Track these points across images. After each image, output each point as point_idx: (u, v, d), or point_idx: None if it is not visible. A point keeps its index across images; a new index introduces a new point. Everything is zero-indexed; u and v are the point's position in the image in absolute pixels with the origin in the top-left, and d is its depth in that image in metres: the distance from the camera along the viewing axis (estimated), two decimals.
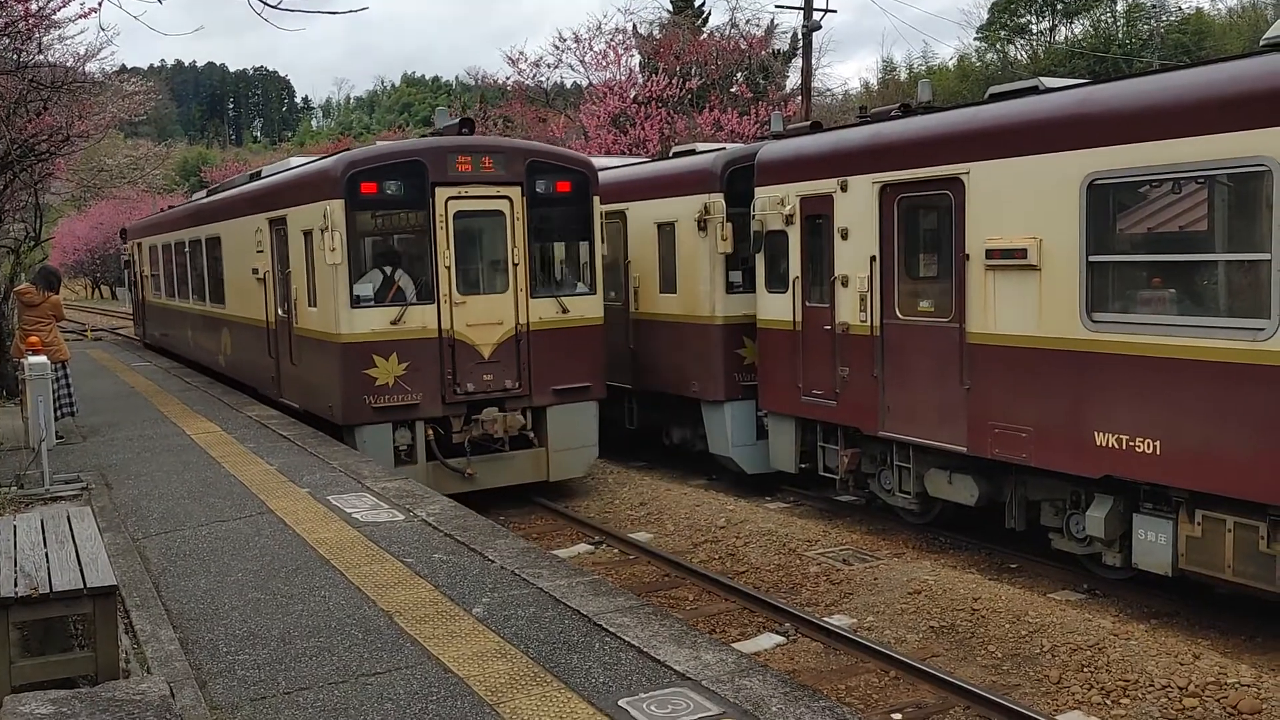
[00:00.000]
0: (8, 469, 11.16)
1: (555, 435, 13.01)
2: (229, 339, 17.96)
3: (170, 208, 27.13)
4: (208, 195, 21.06)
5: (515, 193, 12.59)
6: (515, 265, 12.61)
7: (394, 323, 12.13)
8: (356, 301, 12.11)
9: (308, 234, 12.97)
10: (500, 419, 12.52)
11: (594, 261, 13.39)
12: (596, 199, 13.34)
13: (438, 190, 12.21)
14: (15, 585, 5.62)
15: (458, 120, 13.33)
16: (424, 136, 14.02)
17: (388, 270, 12.47)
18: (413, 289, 12.40)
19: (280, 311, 14.56)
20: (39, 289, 14.02)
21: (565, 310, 12.96)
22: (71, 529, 6.86)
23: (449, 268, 12.28)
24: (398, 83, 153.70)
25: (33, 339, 13.12)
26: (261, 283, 15.26)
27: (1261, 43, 8.04)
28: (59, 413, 13.52)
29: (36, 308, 13.87)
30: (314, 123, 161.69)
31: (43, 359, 11.80)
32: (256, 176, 17.11)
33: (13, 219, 27.45)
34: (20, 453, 11.91)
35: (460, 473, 12.60)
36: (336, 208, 12.02)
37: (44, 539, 6.60)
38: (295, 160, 15.91)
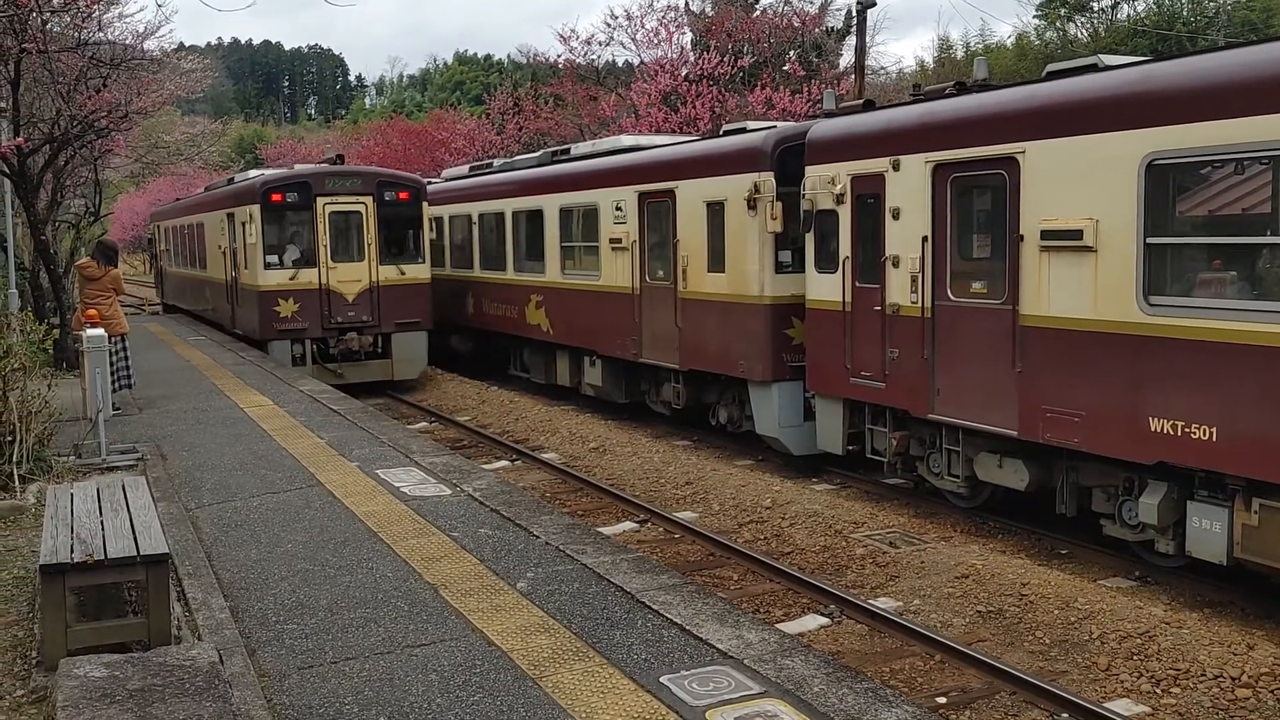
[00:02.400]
0: (66, 439, 11.41)
1: (396, 351, 20.20)
2: (209, 293, 25.58)
3: (178, 200, 36.85)
4: (204, 191, 29.04)
5: (369, 200, 19.90)
6: (369, 244, 19.89)
7: (291, 279, 19.46)
8: (268, 266, 19.51)
9: (244, 224, 20.22)
10: (359, 339, 19.75)
11: (422, 242, 20.59)
12: (425, 203, 20.70)
13: (318, 199, 19.56)
14: (71, 552, 5.75)
15: (335, 155, 22.99)
16: (325, 160, 23.31)
17: (288, 247, 19.82)
18: (303, 259, 19.67)
19: (232, 273, 21.99)
20: (99, 263, 14.28)
21: (403, 273, 20.14)
22: (126, 498, 7.00)
23: (325, 245, 19.60)
24: (450, 61, 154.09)
25: (91, 312, 13.38)
26: (223, 254, 22.61)
27: None
28: (116, 385, 13.79)
29: (96, 281, 14.13)
30: (367, 101, 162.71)
31: (100, 332, 12.03)
32: (230, 183, 24.49)
33: (73, 194, 27.99)
34: (79, 423, 12.16)
35: (333, 372, 19.49)
36: (256, 210, 19.58)
37: (99, 508, 6.75)
38: (253, 173, 23.59)
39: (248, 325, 21.00)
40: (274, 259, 19.57)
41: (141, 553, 5.84)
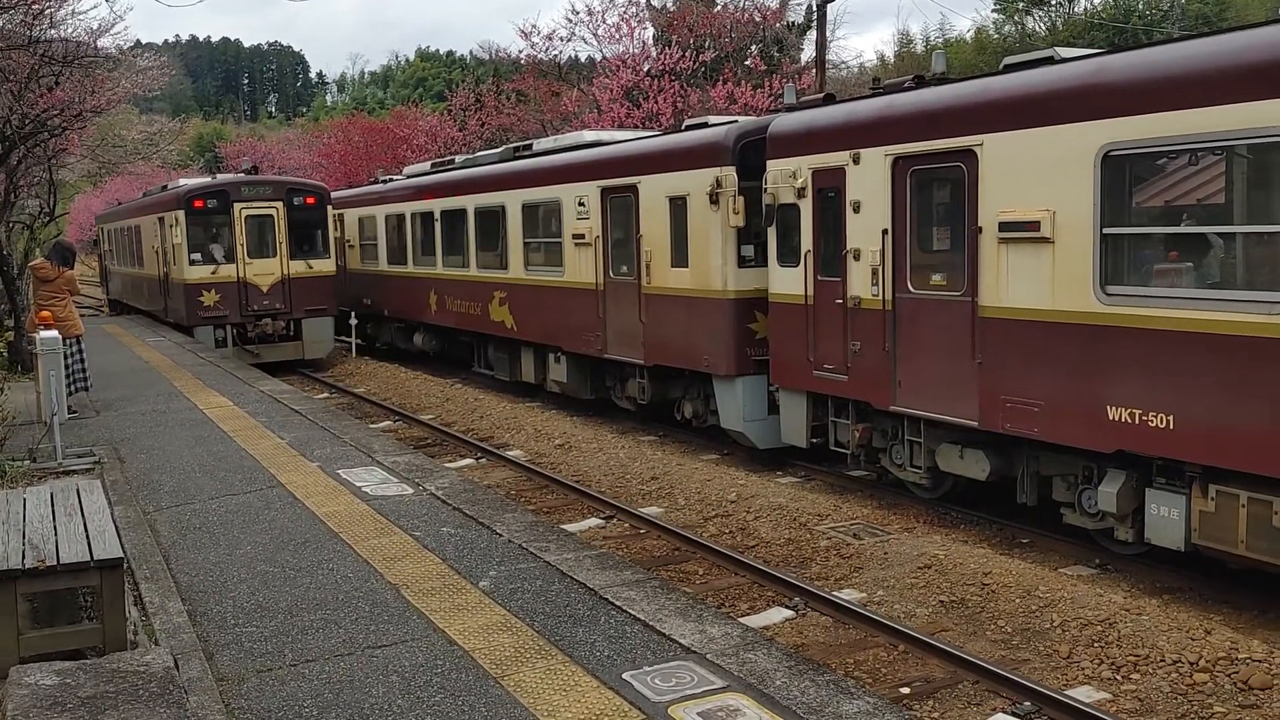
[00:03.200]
0: (20, 443, 11.22)
1: (306, 334, 23.15)
2: (145, 288, 28.08)
3: (120, 204, 39.45)
4: (142, 197, 31.08)
5: (280, 205, 22.75)
6: (280, 243, 22.74)
7: (213, 274, 22.42)
8: (192, 262, 22.43)
9: (172, 227, 23.09)
10: (273, 324, 22.72)
11: (327, 240, 23.62)
12: (329, 207, 23.92)
13: (235, 204, 22.46)
14: (23, 557, 5.65)
15: (250, 166, 26.41)
16: (242, 170, 27.08)
17: (209, 246, 22.78)
18: (223, 255, 22.60)
19: (164, 269, 24.57)
20: (53, 264, 14.05)
21: (310, 267, 23.05)
22: (80, 502, 6.89)
23: (242, 245, 22.53)
24: (412, 57, 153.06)
25: (45, 314, 13.17)
26: (156, 253, 25.29)
27: None
28: (72, 387, 13.58)
29: (51, 283, 13.90)
30: (329, 98, 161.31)
31: (54, 334, 11.85)
32: (161, 191, 27.06)
33: (28, 194, 27.56)
34: (33, 427, 11.97)
35: (251, 352, 22.33)
36: (181, 214, 22.55)
37: (53, 512, 6.63)
38: (186, 181, 26.07)
39: (177, 314, 23.96)
40: (198, 256, 22.58)
41: (95, 557, 5.74)
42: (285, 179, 25.73)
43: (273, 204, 22.60)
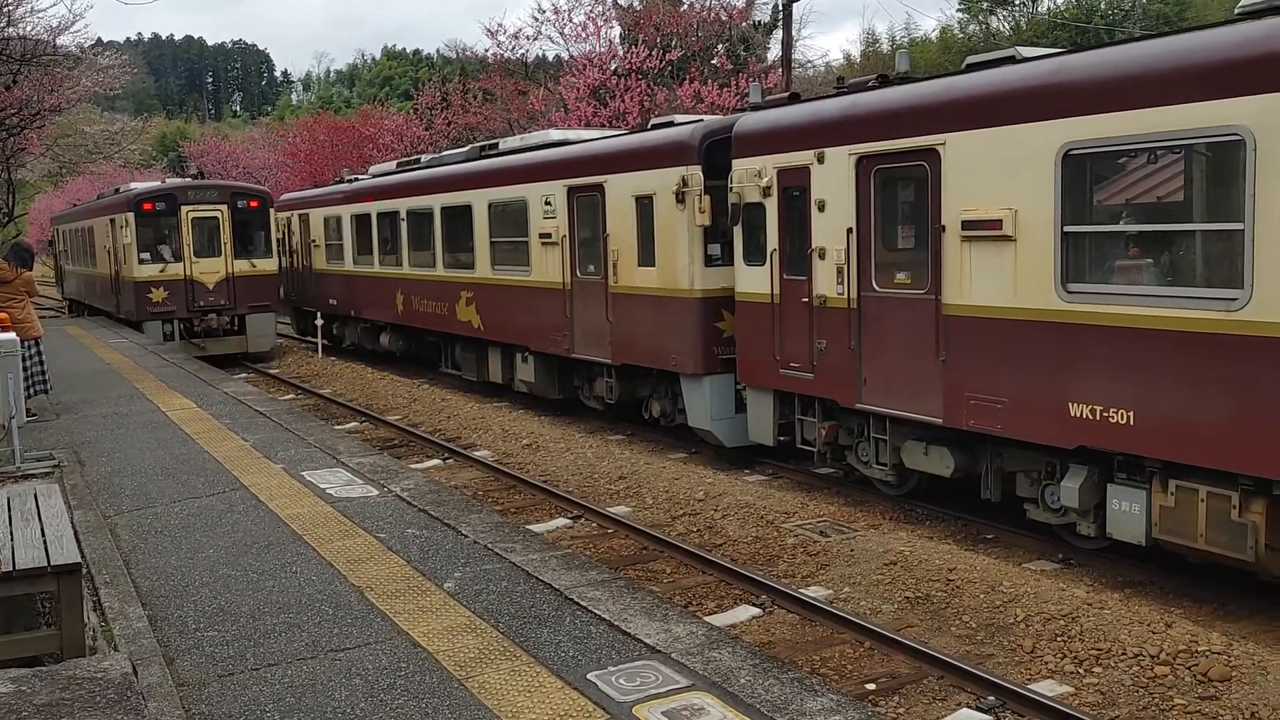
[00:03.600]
0: None
1: (250, 329, 24.62)
2: (98, 286, 28.96)
3: (74, 206, 40.38)
4: (96, 200, 32.50)
5: (224, 208, 24.13)
6: (225, 244, 24.11)
7: (161, 272, 23.80)
8: (141, 261, 23.78)
9: (122, 228, 24.47)
10: (218, 319, 24.14)
11: (269, 241, 25.10)
12: (272, 210, 25.45)
13: (182, 207, 23.90)
14: None
15: (198, 171, 29.95)
16: (189, 175, 29.67)
17: (158, 246, 24.11)
18: (171, 255, 23.98)
19: (115, 268, 25.66)
20: (11, 265, 13.84)
21: (254, 266, 24.48)
22: (38, 506, 6.80)
23: (189, 245, 23.95)
24: (378, 56, 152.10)
25: (2, 315, 12.97)
26: (108, 253, 26.24)
27: (1237, 11, 7.99)
28: (32, 390, 13.39)
29: (9, 284, 13.70)
30: (294, 97, 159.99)
31: (12, 336, 11.66)
32: (114, 194, 28.00)
33: None
34: None
35: (198, 346, 23.71)
36: (131, 216, 23.89)
37: (9, 517, 6.54)
38: (136, 185, 27.16)
39: (127, 310, 25.05)
40: (146, 256, 23.99)
41: (53, 563, 5.67)
42: (229, 184, 27.86)
43: (218, 207, 24.13)
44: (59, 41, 23.63)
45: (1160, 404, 8.09)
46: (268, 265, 24.82)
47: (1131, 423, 8.29)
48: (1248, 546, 7.72)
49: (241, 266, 24.17)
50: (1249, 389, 7.54)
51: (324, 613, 6.37)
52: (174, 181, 26.84)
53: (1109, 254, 8.82)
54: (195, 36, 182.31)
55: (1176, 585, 8.87)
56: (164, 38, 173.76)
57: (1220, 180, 7.95)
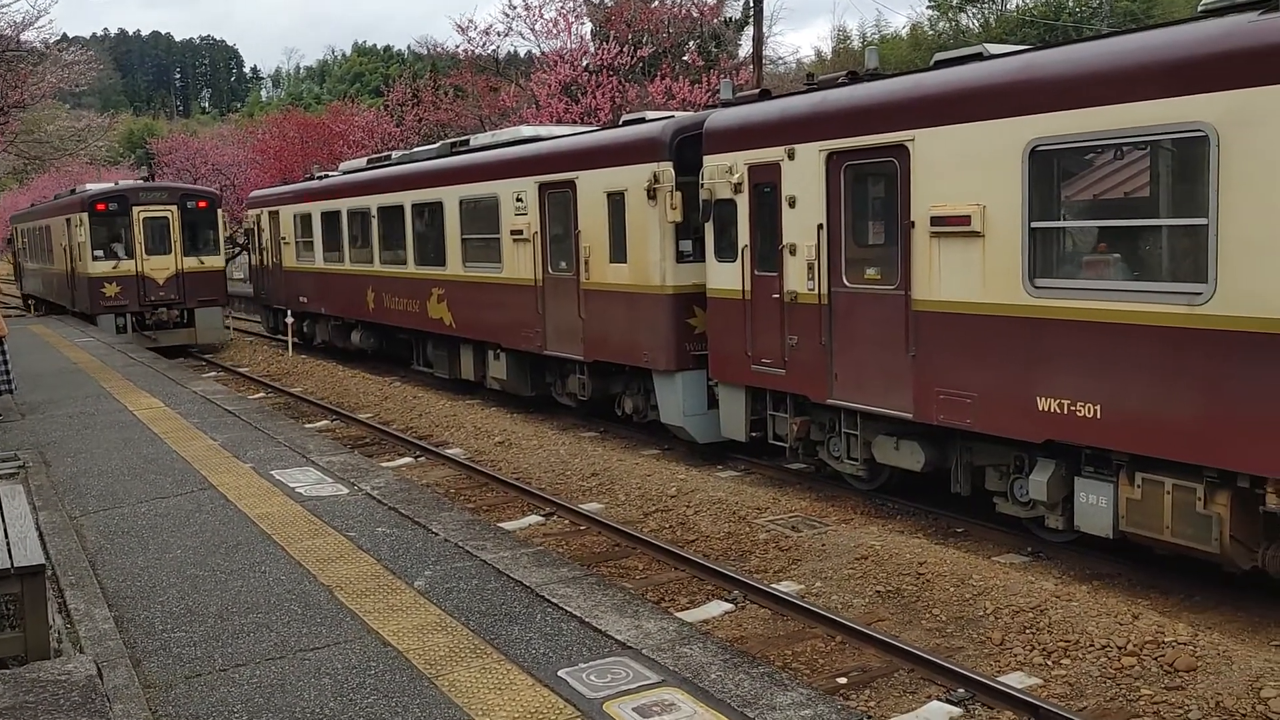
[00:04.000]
0: None
1: (199, 322, 25.98)
2: (55, 281, 30.48)
3: (33, 205, 42.29)
4: (54, 200, 33.68)
5: (174, 209, 25.59)
6: (175, 241, 25.50)
7: (114, 268, 25.21)
8: (95, 258, 25.29)
9: (77, 228, 25.89)
10: (168, 312, 25.63)
11: (217, 239, 26.60)
12: (220, 210, 27.10)
13: (134, 208, 25.28)
14: None
15: (149, 174, 31.47)
16: (140, 178, 32.10)
17: (111, 244, 25.55)
18: (124, 252, 25.40)
19: (69, 265, 27.36)
20: None
21: (202, 263, 25.89)
22: (1, 508, 6.70)
23: (140, 243, 25.31)
24: (349, 52, 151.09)
25: None
26: (65, 251, 27.93)
27: (1200, 8, 8.07)
28: None
29: None
30: (263, 93, 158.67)
31: None
32: (70, 194, 29.13)
33: None
34: None
35: (150, 338, 25.07)
36: (85, 216, 25.32)
37: None
38: (91, 186, 28.07)
39: (82, 304, 26.57)
40: (100, 253, 25.43)
41: (16, 564, 5.59)
42: (179, 185, 29.81)
43: (168, 207, 25.59)
44: (23, 37, 23.36)
45: (1127, 398, 8.16)
46: (215, 262, 26.36)
47: (1098, 416, 8.36)
48: (1213, 538, 7.81)
49: (190, 263, 25.62)
50: (1213, 383, 7.63)
51: (293, 612, 6.33)
52: (126, 183, 28.77)
53: (1076, 249, 8.89)
54: (163, 32, 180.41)
55: (1143, 577, 8.96)
56: (131, 33, 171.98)
57: (1185, 176, 8.03)
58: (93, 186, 27.82)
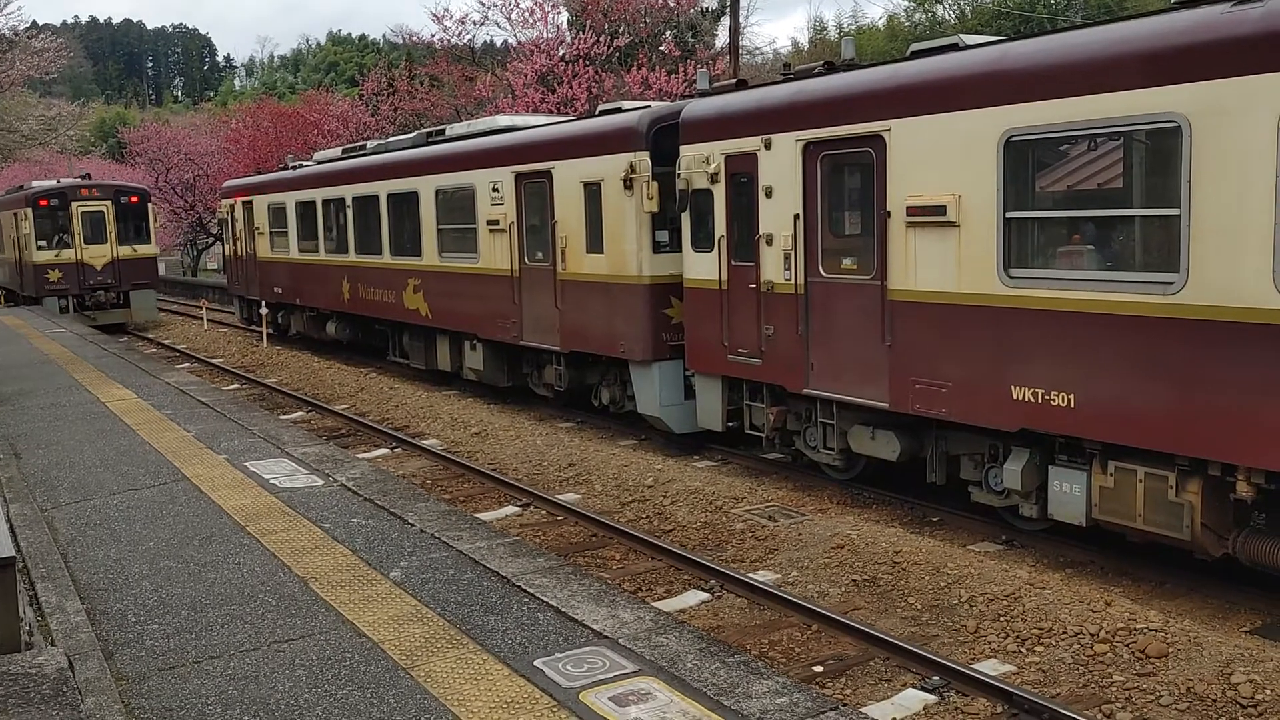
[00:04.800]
0: None
1: (134, 303, 29.37)
2: (6, 269, 33.85)
3: None
4: (4, 195, 36.35)
5: (109, 204, 28.91)
6: (110, 233, 28.77)
7: (56, 256, 28.52)
8: (39, 248, 28.50)
9: (22, 221, 29.40)
10: (105, 295, 28.89)
11: (149, 230, 29.81)
12: (150, 205, 30.37)
13: (73, 203, 28.54)
14: None
15: (85, 174, 32.92)
16: (79, 175, 33.64)
17: (55, 235, 28.63)
18: (65, 243, 28.58)
19: (17, 254, 30.98)
20: None
21: (136, 251, 29.25)
22: None
23: (79, 234, 28.56)
24: (323, 41, 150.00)
25: None
26: (14, 241, 31.43)
27: (1174, 0, 8.11)
28: None
29: None
30: (237, 82, 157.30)
31: None
32: (17, 191, 32.50)
33: None
34: None
35: (90, 318, 27.80)
36: (30, 212, 28.63)
37: None
38: (37, 184, 31.28)
39: (29, 288, 29.89)
40: (44, 243, 28.81)
41: None
42: (114, 183, 32.80)
43: (103, 203, 29.04)
44: None
45: (1100, 387, 8.22)
46: (147, 250, 30.06)
47: (1072, 405, 8.42)
48: (1184, 526, 7.89)
49: (125, 251, 29.09)
50: (1185, 372, 7.69)
51: (267, 604, 6.29)
52: (67, 181, 31.35)
53: (1050, 240, 8.93)
54: (134, 20, 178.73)
55: (1116, 565, 9.04)
56: (102, 21, 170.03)
57: (1158, 167, 8.08)
58: (37, 184, 31.26)
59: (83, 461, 10.19)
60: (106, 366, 16.65)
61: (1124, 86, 7.88)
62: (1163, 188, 7.94)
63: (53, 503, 8.78)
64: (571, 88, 29.19)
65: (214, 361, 23.28)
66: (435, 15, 37.94)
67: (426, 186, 17.88)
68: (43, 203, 28.60)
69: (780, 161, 11.04)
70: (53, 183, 31.33)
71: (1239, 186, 7.28)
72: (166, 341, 26.38)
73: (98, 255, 28.77)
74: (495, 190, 15.83)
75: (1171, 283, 7.71)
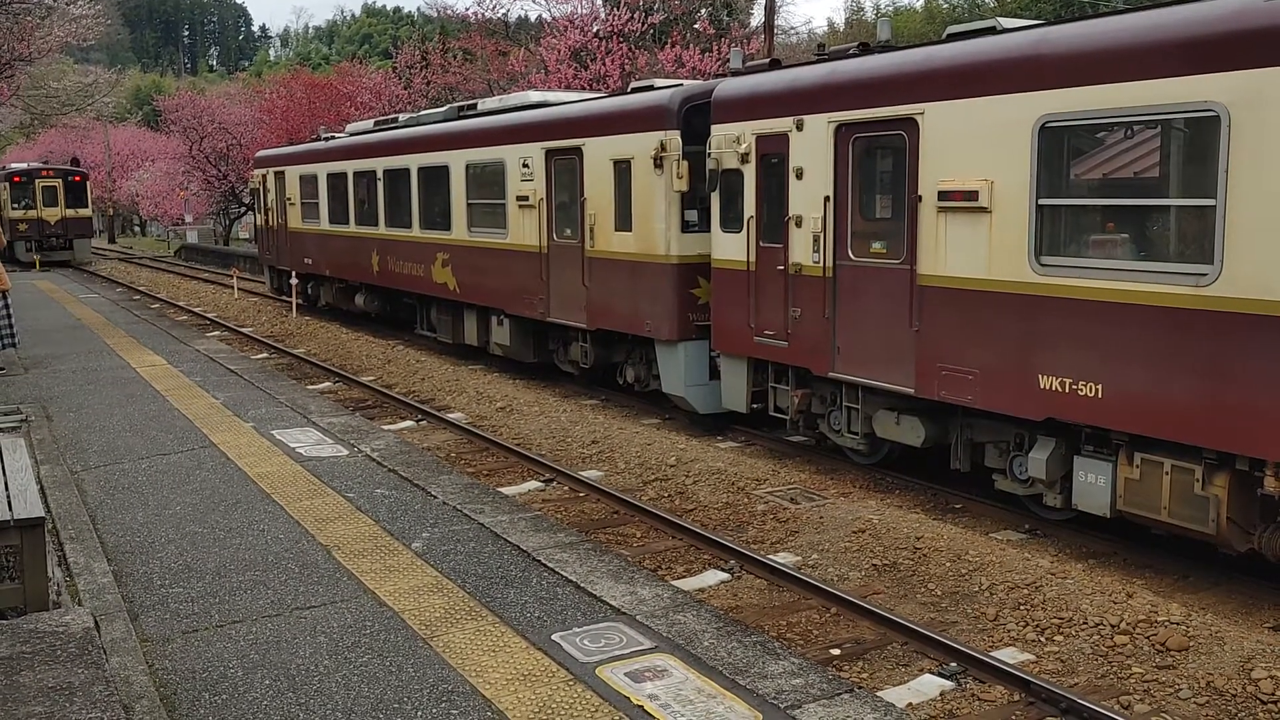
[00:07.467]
0: None
1: (75, 248, 41.98)
2: None
3: None
4: None
5: (61, 181, 41.91)
6: (60, 199, 41.60)
7: (25, 214, 41.32)
8: (13, 209, 41.27)
9: (2, 191, 41.62)
10: (56, 241, 41.72)
11: (87, 198, 42.65)
12: (89, 183, 43.53)
13: (36, 180, 41.67)
14: None
15: (44, 159, 53.31)
16: (40, 161, 51.01)
17: (24, 200, 41.50)
18: (30, 205, 41.41)
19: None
20: None
21: (77, 212, 42.04)
22: (2, 461, 6.73)
23: (40, 200, 41.33)
24: (358, 13, 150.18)
25: None
26: None
27: None
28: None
29: None
30: (271, 53, 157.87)
31: None
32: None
33: None
34: None
35: (45, 256, 41.10)
36: (7, 184, 41.60)
37: None
38: (12, 165, 44.90)
39: (6, 235, 36.45)
40: (16, 205, 40.73)
41: (16, 516, 5.62)
42: (64, 167, 44.03)
43: (57, 180, 41.45)
44: None
45: (1128, 378, 8.15)
46: (85, 212, 42.33)
47: (1100, 396, 8.35)
48: (1209, 519, 7.82)
49: (70, 213, 41.44)
50: (1216, 365, 7.61)
51: (290, 571, 6.36)
52: (34, 165, 44.58)
53: (1083, 228, 8.84)
54: None
55: (1139, 557, 8.98)
56: None
57: (1195, 156, 7.97)
58: (13, 165, 44.09)
59: (112, 425, 10.32)
60: (138, 332, 16.82)
61: (1163, 74, 7.77)
62: (1199, 178, 7.83)
63: (83, 465, 8.91)
64: (604, 65, 29.10)
65: (244, 330, 23.47)
66: None
67: (457, 161, 17.90)
68: (16, 179, 41.45)
69: (812, 143, 10.97)
70: (24, 166, 44.51)
71: (1276, 178, 7.17)
72: (197, 309, 26.61)
73: (52, 214, 41.44)
74: (525, 166, 15.83)
75: (1205, 274, 7.62)
